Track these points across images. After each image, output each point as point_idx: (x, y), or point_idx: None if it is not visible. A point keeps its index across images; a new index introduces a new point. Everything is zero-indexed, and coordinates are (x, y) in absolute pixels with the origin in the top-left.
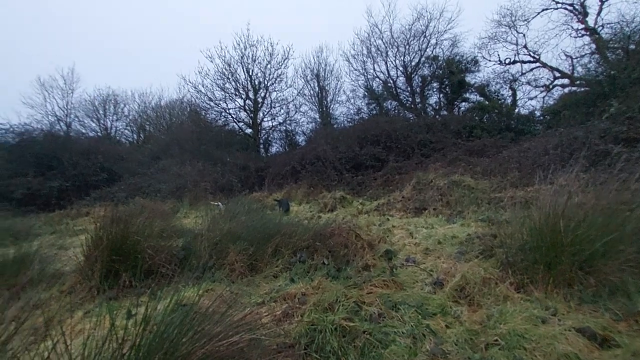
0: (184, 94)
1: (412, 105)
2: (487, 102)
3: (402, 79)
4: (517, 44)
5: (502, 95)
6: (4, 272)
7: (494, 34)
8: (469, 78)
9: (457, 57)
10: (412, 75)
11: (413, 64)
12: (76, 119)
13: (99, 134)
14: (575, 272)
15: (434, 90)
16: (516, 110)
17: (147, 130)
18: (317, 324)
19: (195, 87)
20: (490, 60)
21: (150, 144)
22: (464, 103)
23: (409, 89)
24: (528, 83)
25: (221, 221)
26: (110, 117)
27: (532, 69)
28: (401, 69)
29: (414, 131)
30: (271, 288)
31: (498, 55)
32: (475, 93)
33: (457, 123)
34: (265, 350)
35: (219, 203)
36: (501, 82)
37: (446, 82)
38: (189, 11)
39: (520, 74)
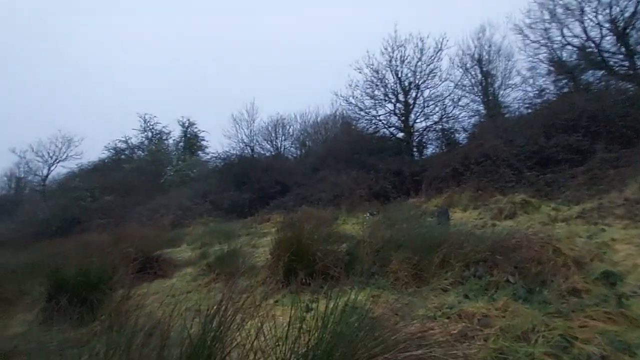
0: (336, 108)
1: (631, 72)
2: None
3: (609, 39)
4: None
5: None
6: (222, 262)
7: None
8: None
9: None
10: (627, 31)
11: (626, 15)
12: (257, 143)
13: (272, 153)
14: None
15: None
16: None
17: (307, 146)
18: (507, 354)
19: (346, 100)
20: None
21: (310, 157)
22: None
23: (622, 49)
24: None
25: (382, 228)
26: (280, 138)
27: None
28: (607, 25)
29: (636, 107)
30: (441, 303)
31: None
32: None
33: None
34: None
35: (367, 214)
36: None
37: None
38: (339, 27)
39: None
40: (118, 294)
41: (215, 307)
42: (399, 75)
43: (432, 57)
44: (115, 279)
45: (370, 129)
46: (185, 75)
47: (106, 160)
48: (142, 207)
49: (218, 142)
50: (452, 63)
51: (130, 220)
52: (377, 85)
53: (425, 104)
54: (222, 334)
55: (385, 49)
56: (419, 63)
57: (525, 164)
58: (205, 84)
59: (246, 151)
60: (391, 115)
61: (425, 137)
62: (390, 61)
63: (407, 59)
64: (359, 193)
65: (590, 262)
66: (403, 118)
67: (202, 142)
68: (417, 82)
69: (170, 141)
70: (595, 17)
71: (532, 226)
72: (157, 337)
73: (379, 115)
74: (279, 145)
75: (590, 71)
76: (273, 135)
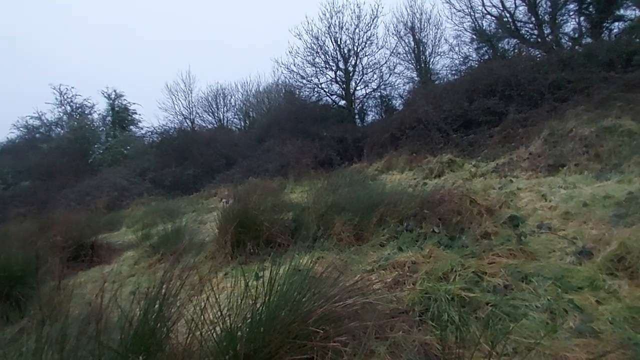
0: (278, 77)
1: (539, 40)
2: None
3: (522, 8)
4: None
5: None
6: (167, 242)
7: None
8: None
9: None
10: (537, 1)
11: None
12: (197, 115)
13: (215, 125)
14: None
15: (571, 14)
16: None
17: (251, 116)
18: (431, 293)
19: (287, 68)
20: None
21: (254, 128)
22: (617, 23)
23: (533, 19)
24: None
25: (325, 194)
26: (222, 109)
27: None
28: None
29: (542, 72)
30: (379, 256)
31: None
32: (634, 7)
33: (608, 51)
34: (379, 314)
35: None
36: None
37: (588, 0)
38: None
39: None
40: (47, 286)
41: (156, 285)
42: (338, 42)
43: (369, 24)
44: (43, 270)
45: (313, 97)
46: (111, 46)
47: (17, 141)
48: (68, 191)
49: (153, 115)
50: (387, 30)
51: (55, 206)
52: (317, 52)
53: (364, 72)
54: (165, 312)
55: (324, 14)
56: (357, 30)
57: (451, 127)
58: (134, 56)
59: (186, 124)
60: (332, 83)
61: (366, 104)
62: (329, 27)
63: (345, 25)
64: (305, 162)
65: (499, 209)
66: (344, 86)
67: (134, 116)
68: (355, 49)
69: (95, 116)
70: None
71: (455, 182)
72: (94, 325)
73: (321, 83)
74: (221, 116)
75: (507, 39)
76: (214, 106)
